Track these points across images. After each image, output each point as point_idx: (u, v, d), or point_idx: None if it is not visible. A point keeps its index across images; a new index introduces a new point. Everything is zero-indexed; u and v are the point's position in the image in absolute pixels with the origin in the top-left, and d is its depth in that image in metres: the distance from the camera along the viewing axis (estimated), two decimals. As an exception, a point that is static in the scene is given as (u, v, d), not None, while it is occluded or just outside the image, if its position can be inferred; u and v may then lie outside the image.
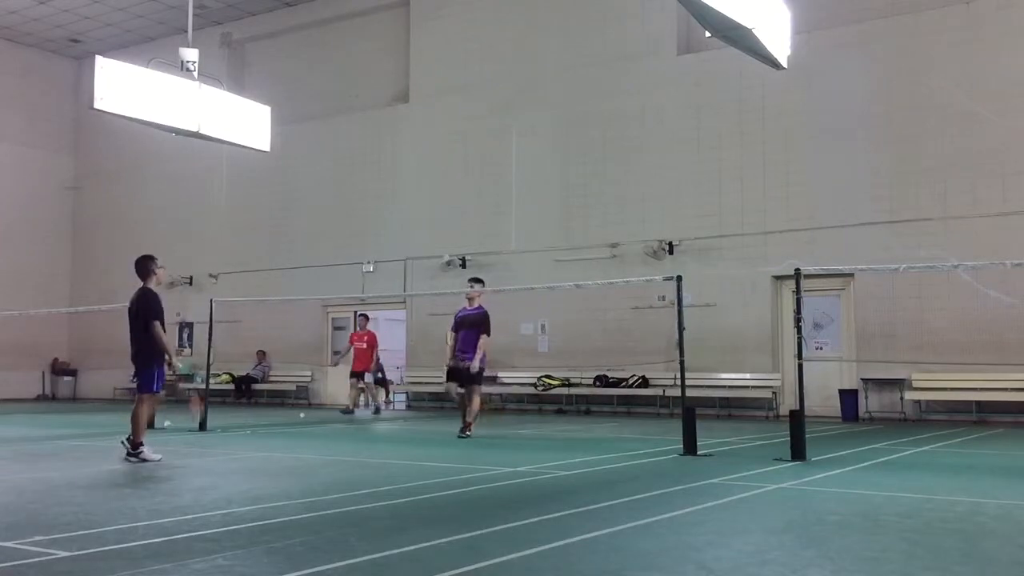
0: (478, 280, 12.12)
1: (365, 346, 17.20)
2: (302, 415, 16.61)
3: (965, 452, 10.05)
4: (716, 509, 5.79)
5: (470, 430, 11.31)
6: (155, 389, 8.96)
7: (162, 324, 8.94)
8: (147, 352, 8.85)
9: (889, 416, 15.15)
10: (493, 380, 18.82)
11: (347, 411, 16.99)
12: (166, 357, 8.97)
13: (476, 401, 11.48)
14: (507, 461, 8.52)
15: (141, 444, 8.63)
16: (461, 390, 11.54)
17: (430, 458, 9.17)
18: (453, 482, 7.10)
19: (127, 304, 9.16)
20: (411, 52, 21.02)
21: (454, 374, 11.51)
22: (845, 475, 7.60)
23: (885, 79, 15.83)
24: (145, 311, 8.86)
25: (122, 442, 8.74)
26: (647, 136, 17.89)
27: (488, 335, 11.43)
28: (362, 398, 18.17)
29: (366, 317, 17.70)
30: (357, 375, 17.30)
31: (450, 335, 11.75)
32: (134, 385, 9.06)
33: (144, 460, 8.51)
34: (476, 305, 11.68)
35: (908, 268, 10.97)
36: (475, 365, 11.19)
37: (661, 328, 16.48)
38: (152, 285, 9.06)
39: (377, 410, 17.48)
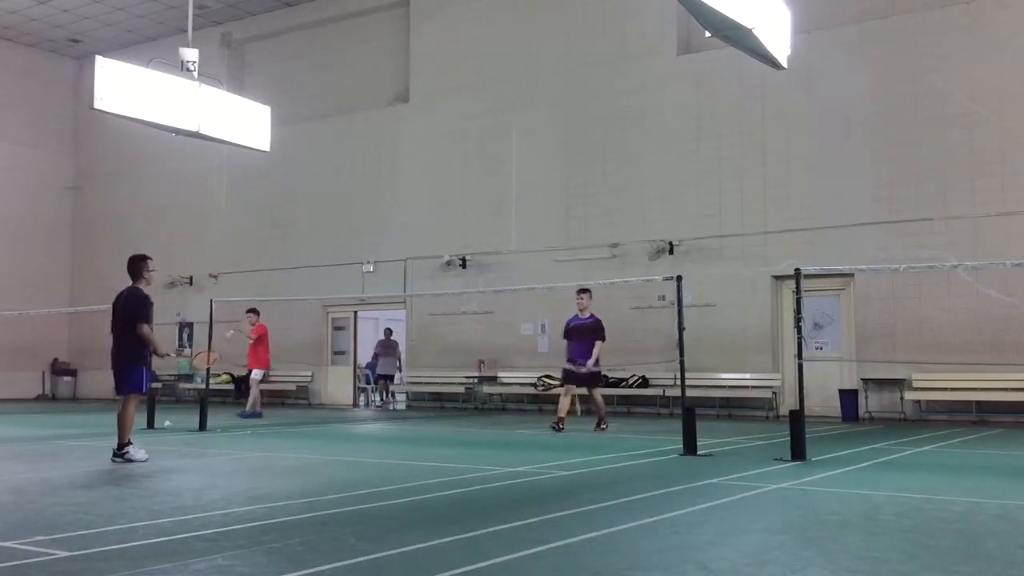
0: (586, 290, 12.84)
1: (254, 339, 16.18)
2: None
3: (965, 452, 10.05)
4: (716, 509, 5.79)
5: (604, 423, 12.65)
6: (143, 390, 8.93)
7: (149, 327, 8.81)
8: (132, 352, 8.75)
9: (889, 416, 15.15)
10: (494, 380, 18.91)
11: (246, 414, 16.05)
12: (153, 348, 8.82)
13: (598, 397, 12.81)
14: (507, 461, 8.52)
15: (128, 444, 8.54)
16: (577, 390, 13.02)
17: (430, 458, 9.17)
18: (453, 482, 7.10)
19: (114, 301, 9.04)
20: (411, 52, 21.01)
21: (568, 376, 12.71)
22: (845, 475, 7.60)
23: (885, 79, 15.83)
24: (132, 314, 8.74)
25: (112, 458, 8.55)
26: (647, 136, 17.89)
27: (603, 340, 12.54)
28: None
29: (255, 312, 16.21)
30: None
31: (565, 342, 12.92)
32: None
33: (130, 460, 8.42)
34: (588, 315, 12.66)
35: (908, 268, 10.99)
36: (590, 364, 12.36)
37: (661, 328, 16.48)
38: (141, 286, 8.94)
39: (247, 415, 15.97)
